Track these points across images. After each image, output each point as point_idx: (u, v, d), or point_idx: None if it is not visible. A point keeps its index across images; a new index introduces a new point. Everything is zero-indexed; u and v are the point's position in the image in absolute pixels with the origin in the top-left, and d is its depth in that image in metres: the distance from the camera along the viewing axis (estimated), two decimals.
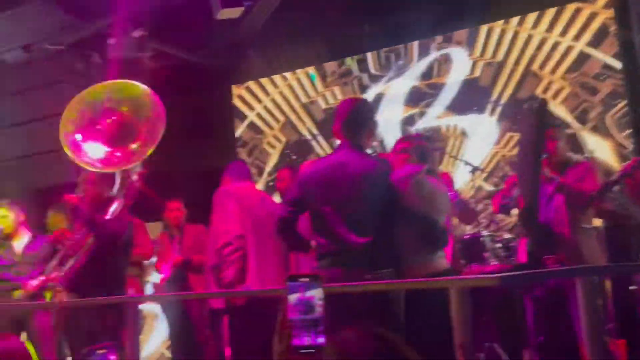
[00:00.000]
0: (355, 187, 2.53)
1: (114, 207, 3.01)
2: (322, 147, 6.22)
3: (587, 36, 5.09)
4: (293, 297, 1.21)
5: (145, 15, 5.06)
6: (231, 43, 5.80)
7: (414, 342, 1.14)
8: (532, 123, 2.37)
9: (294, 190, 2.77)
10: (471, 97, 5.53)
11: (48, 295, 3.44)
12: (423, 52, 5.79)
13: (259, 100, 6.58)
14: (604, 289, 3.45)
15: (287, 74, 6.42)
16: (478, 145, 5.45)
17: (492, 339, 3.61)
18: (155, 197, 3.76)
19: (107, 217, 3.02)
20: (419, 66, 5.80)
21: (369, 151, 2.74)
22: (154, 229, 4.89)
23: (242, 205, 3.52)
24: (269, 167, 6.48)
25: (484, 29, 5.51)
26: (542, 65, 5.27)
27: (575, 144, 4.98)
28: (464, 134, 5.56)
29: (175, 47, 5.88)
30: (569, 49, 5.17)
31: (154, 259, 4.73)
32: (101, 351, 2.59)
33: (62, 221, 3.97)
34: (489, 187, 5.35)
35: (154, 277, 4.91)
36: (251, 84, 6.61)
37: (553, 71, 5.23)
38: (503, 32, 5.45)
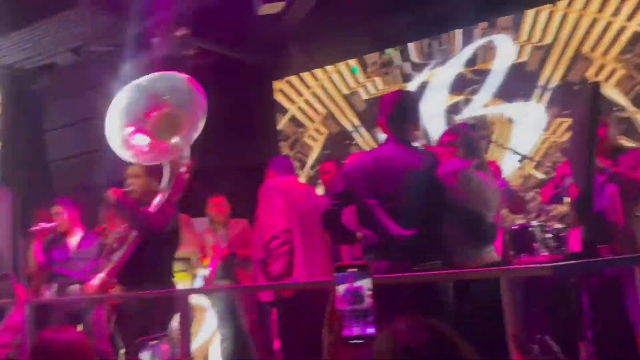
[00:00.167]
0: (401, 181, 2.50)
1: (157, 200, 2.99)
2: (363, 138, 6.18)
3: None
4: (341, 288, 1.20)
5: (188, 13, 5.14)
6: (272, 38, 5.82)
7: (465, 333, 1.12)
8: (585, 107, 2.27)
9: (339, 184, 2.76)
10: (518, 83, 5.38)
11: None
12: (467, 40, 5.67)
13: (300, 94, 6.59)
14: None
15: (328, 67, 6.40)
16: (526, 132, 5.30)
17: (545, 331, 3.53)
18: (202, 189, 3.79)
19: (150, 210, 2.98)
20: (463, 53, 5.68)
21: (415, 144, 2.71)
22: (200, 225, 4.97)
23: (287, 199, 3.55)
24: (310, 160, 6.50)
25: (529, 13, 5.34)
26: (594, 48, 5.07)
27: (630, 128, 4.78)
28: (510, 121, 5.42)
29: (217, 44, 5.95)
30: (622, 30, 4.96)
31: (200, 254, 4.81)
32: (153, 342, 2.65)
33: (115, 217, 4.07)
34: (540, 175, 5.20)
35: (202, 272, 4.99)
36: (292, 78, 6.63)
37: (605, 53, 5.03)
38: (551, 15, 5.27)
